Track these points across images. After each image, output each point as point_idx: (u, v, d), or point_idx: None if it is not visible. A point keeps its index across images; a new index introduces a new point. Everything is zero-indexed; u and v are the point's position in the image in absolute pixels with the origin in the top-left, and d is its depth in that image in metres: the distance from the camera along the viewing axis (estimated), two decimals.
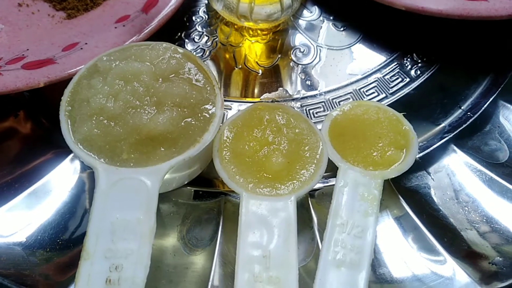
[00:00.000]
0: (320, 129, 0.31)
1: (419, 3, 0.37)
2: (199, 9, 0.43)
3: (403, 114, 0.32)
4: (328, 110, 0.37)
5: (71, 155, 0.35)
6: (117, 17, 0.37)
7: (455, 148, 0.35)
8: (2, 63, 0.33)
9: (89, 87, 0.30)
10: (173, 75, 0.31)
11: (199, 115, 0.30)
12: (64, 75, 0.32)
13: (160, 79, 0.30)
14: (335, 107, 0.37)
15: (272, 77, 0.39)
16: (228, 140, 0.30)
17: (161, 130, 0.28)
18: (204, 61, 0.39)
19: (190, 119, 0.29)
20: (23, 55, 0.34)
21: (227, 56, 0.40)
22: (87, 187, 0.33)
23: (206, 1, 0.43)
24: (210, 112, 0.30)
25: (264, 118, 0.31)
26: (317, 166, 0.29)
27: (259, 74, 0.39)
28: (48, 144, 0.35)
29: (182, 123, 0.29)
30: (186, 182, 0.33)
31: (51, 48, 0.35)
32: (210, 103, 0.30)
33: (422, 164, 0.34)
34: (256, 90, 0.38)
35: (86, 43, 0.35)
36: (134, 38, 0.35)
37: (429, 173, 0.34)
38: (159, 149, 0.28)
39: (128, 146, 0.28)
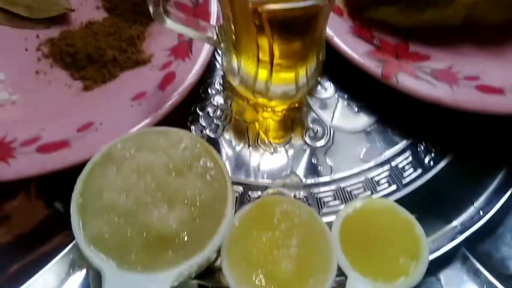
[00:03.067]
0: (330, 228, 0.31)
1: (435, 94, 0.37)
2: (215, 81, 0.43)
3: (415, 216, 0.32)
4: (338, 199, 0.37)
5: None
6: (134, 93, 0.37)
7: (466, 253, 0.34)
8: (16, 144, 0.33)
9: (102, 177, 0.30)
10: (186, 168, 0.31)
11: (209, 214, 0.30)
12: (78, 161, 0.32)
13: (174, 173, 0.30)
14: (346, 197, 0.37)
15: (284, 158, 0.39)
16: (235, 241, 0.30)
17: (171, 231, 0.28)
18: (217, 138, 0.39)
19: (200, 219, 0.29)
20: (38, 135, 0.34)
21: (240, 132, 0.40)
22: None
23: (222, 73, 0.43)
24: (220, 212, 0.30)
25: (274, 217, 0.31)
26: (327, 274, 0.29)
27: (271, 154, 0.39)
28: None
29: (192, 224, 0.29)
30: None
31: (66, 127, 0.34)
32: (222, 201, 0.30)
33: (431, 269, 0.33)
34: (266, 171, 0.38)
35: (101, 123, 0.35)
36: (150, 117, 0.35)
37: (438, 280, 0.33)
38: (167, 252, 0.28)
39: (137, 247, 0.28)
